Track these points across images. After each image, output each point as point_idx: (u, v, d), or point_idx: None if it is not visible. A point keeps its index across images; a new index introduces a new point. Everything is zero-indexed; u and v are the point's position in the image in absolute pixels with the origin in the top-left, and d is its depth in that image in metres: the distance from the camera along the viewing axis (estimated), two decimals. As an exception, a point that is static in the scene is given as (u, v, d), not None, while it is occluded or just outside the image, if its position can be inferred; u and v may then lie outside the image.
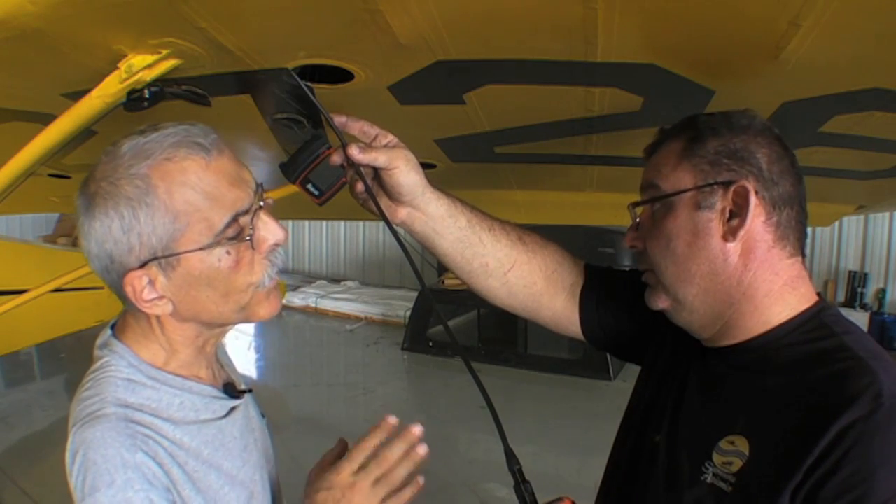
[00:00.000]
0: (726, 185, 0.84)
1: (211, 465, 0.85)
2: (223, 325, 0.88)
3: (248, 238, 0.81)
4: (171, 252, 0.78)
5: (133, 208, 0.76)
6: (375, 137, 0.96)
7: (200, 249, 0.78)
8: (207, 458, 0.85)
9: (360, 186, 0.97)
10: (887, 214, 7.28)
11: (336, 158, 0.94)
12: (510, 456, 0.96)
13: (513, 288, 1.10)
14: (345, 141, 0.93)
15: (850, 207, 2.24)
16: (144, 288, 0.79)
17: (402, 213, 1.00)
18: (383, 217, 0.98)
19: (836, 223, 7.09)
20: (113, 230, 0.77)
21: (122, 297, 0.82)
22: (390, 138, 0.96)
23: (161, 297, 0.80)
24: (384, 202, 0.99)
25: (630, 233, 0.96)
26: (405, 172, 0.95)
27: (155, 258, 0.78)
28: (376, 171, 0.96)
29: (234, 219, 0.79)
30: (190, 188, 0.77)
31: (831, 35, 0.78)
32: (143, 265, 0.78)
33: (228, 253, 0.80)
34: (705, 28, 0.82)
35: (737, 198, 0.84)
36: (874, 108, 1.10)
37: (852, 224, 7.61)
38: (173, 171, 0.77)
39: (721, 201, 0.85)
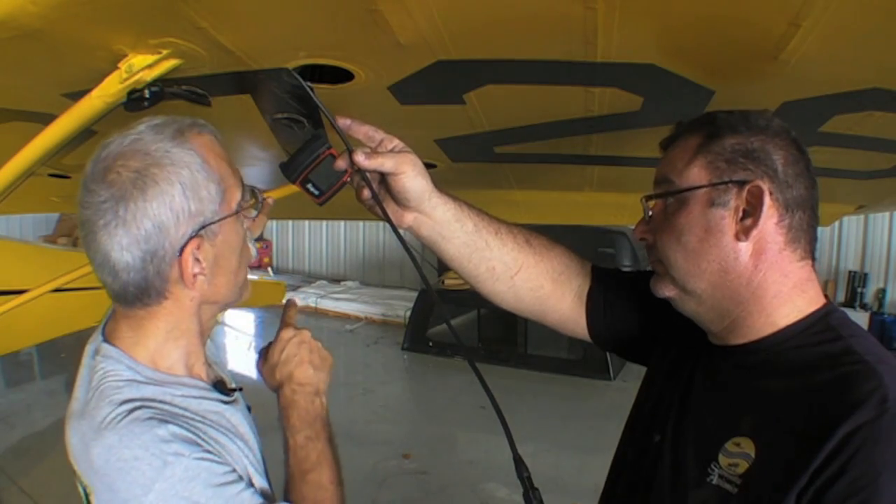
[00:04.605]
0: (741, 184, 0.84)
1: (221, 446, 0.85)
2: (223, 305, 0.92)
3: (261, 200, 0.91)
4: (219, 217, 0.83)
5: (193, 172, 0.80)
6: (381, 142, 0.96)
7: (233, 215, 0.85)
8: (216, 437, 0.85)
9: (366, 192, 0.97)
10: (887, 214, 7.28)
11: (342, 164, 0.94)
12: (519, 463, 0.96)
13: (520, 291, 1.09)
14: (351, 147, 0.93)
15: (850, 207, 2.24)
16: (193, 263, 0.82)
17: (408, 219, 0.99)
18: (389, 222, 0.97)
19: (836, 223, 7.10)
20: (175, 198, 0.79)
21: (152, 288, 0.81)
22: (396, 143, 0.96)
23: (202, 273, 0.83)
24: (391, 207, 0.98)
25: (640, 225, 0.96)
26: (412, 178, 0.94)
27: (204, 225, 0.82)
28: (383, 176, 0.96)
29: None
30: (221, 158, 0.85)
31: (831, 35, 0.78)
32: (195, 234, 0.81)
33: (250, 219, 0.90)
34: (705, 28, 0.82)
35: (751, 198, 0.84)
36: (874, 108, 1.10)
37: (852, 224, 7.61)
38: (206, 143, 0.84)
39: (735, 200, 0.85)
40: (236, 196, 0.86)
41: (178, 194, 0.78)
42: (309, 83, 0.95)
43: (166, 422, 0.76)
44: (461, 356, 6.63)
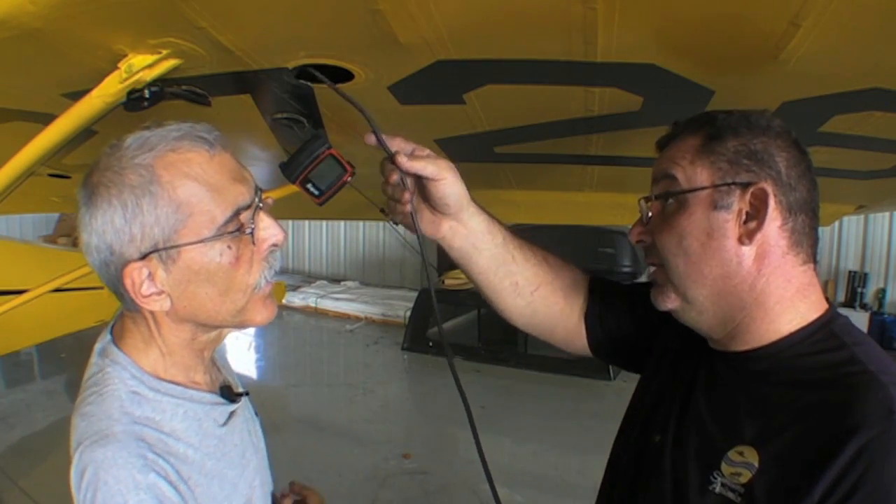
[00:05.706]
0: (744, 186, 0.83)
1: (214, 477, 0.85)
2: (219, 328, 0.88)
3: (249, 232, 0.81)
4: (173, 244, 0.77)
5: (137, 197, 0.76)
6: (412, 151, 0.95)
7: (201, 242, 0.78)
8: (210, 469, 0.84)
9: (407, 196, 0.95)
10: (887, 214, 7.28)
11: (394, 177, 0.94)
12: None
13: (537, 307, 1.10)
14: (391, 151, 0.93)
15: (850, 207, 2.24)
16: (144, 282, 0.78)
17: (444, 228, 0.99)
18: (416, 226, 0.96)
19: (836, 223, 7.10)
20: (115, 220, 0.76)
21: (120, 294, 0.81)
22: (428, 151, 0.96)
23: (160, 293, 0.80)
24: (426, 217, 0.98)
25: (637, 227, 0.94)
26: (452, 183, 0.94)
27: (156, 250, 0.77)
28: (420, 186, 0.95)
29: (236, 213, 0.80)
30: (193, 179, 0.77)
31: (831, 35, 0.78)
32: (143, 257, 0.77)
33: (229, 248, 0.80)
34: (705, 28, 0.82)
35: (754, 200, 0.83)
36: (874, 108, 1.10)
37: (852, 224, 7.61)
38: (177, 161, 0.77)
39: (738, 202, 0.83)
40: (213, 221, 0.78)
41: (118, 217, 0.76)
42: (334, 85, 0.94)
43: (152, 470, 0.75)
44: (461, 357, 6.64)
